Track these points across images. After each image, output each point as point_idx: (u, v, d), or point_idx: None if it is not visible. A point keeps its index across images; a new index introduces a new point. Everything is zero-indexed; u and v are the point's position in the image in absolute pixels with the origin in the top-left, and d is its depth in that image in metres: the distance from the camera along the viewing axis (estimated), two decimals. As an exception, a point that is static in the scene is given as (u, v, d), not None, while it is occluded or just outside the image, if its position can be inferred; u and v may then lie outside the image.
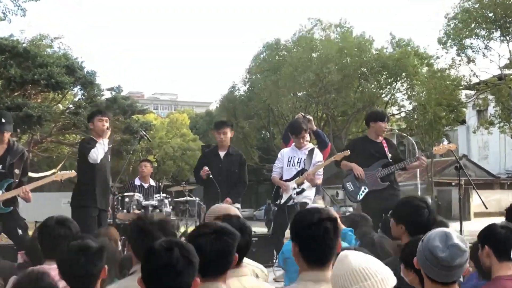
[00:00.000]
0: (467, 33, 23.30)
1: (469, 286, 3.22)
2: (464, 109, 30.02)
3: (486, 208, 6.74)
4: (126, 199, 7.13)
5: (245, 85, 35.71)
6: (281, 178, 6.77)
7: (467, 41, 23.78)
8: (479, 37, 23.48)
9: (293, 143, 6.86)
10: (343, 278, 2.09)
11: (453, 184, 25.75)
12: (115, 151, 22.13)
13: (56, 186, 25.93)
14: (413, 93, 28.31)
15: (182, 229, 8.21)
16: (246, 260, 2.91)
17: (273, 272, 5.99)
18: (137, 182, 8.40)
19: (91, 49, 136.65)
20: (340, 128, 30.40)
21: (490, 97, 25.45)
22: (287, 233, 6.35)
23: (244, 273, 2.76)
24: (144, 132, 8.47)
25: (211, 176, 6.88)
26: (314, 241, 2.37)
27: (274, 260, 6.84)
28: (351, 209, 24.90)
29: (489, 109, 27.94)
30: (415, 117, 28.70)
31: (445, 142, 6.56)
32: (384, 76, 28.65)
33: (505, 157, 34.34)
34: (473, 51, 23.95)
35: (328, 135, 21.82)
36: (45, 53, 23.41)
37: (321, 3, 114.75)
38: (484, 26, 23.02)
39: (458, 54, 24.39)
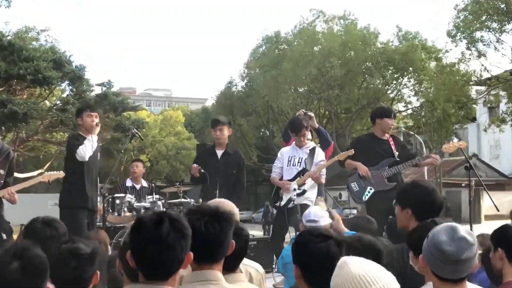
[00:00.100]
0: (478, 25, 23.29)
1: (480, 279, 3.22)
2: (474, 106, 29.99)
3: (498, 210, 6.74)
4: (117, 201, 7.12)
5: (243, 81, 35.74)
6: (281, 179, 6.76)
7: (478, 34, 23.76)
8: (491, 30, 23.47)
9: (294, 142, 6.86)
10: (343, 286, 2.10)
11: (463, 185, 25.79)
12: (105, 150, 22.09)
13: (43, 187, 25.85)
14: (421, 89, 28.32)
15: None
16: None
17: (273, 278, 6.00)
18: (128, 183, 8.40)
19: (91, 49, 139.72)
20: (343, 126, 30.41)
21: (502, 93, 25.42)
22: (287, 237, 6.37)
23: (239, 278, 2.75)
24: (136, 130, 8.46)
25: (203, 170, 6.82)
26: (320, 268, 2.40)
27: (274, 266, 6.85)
28: (355, 211, 24.87)
29: (500, 106, 27.90)
30: (423, 114, 28.69)
31: (455, 140, 6.58)
32: (390, 71, 28.65)
33: (518, 157, 34.39)
34: (484, 45, 23.93)
35: (330, 133, 21.82)
36: (31, 46, 23.41)
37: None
38: (495, 18, 23.00)
39: (468, 48, 24.37)
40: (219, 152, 7.12)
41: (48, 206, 21.54)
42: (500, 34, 23.51)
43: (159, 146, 39.48)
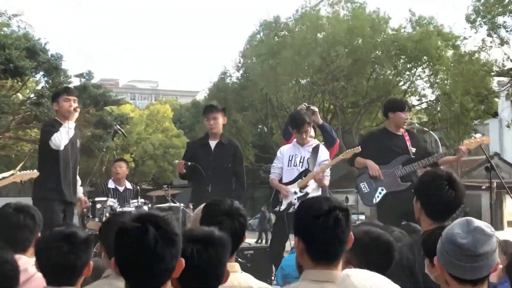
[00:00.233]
0: (500, 9, 23.31)
1: None
2: (496, 99, 30.05)
3: (522, 215, 6.78)
4: (98, 205, 7.12)
5: (238, 71, 35.69)
6: (280, 181, 6.77)
7: (500, 19, 23.79)
8: (515, 14, 23.52)
9: (295, 139, 6.87)
10: None
11: (483, 187, 25.82)
12: (85, 149, 22.08)
13: (15, 190, 25.83)
14: (436, 80, 28.34)
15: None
16: (242, 276, 2.89)
17: (272, 291, 6.00)
18: (110, 185, 8.41)
19: (91, 49, 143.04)
20: (350, 122, 30.43)
21: (527, 85, 25.51)
22: (288, 245, 6.37)
23: (233, 269, 2.71)
24: (119, 127, 8.46)
25: (189, 163, 6.70)
26: (323, 234, 2.38)
27: (273, 278, 6.86)
28: (363, 217, 24.99)
29: (526, 100, 28.00)
30: (439, 108, 28.73)
31: (478, 135, 6.60)
32: (402, 61, 28.66)
33: (545, 156, 34.44)
34: (507, 31, 23.97)
35: (336, 129, 21.84)
36: (2, 33, 23.37)
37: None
38: (520, 1, 23.05)
39: (489, 35, 24.40)
40: (213, 143, 6.96)
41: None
42: (525, 19, 23.56)
43: (145, 144, 39.46)
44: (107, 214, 7.11)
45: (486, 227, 2.36)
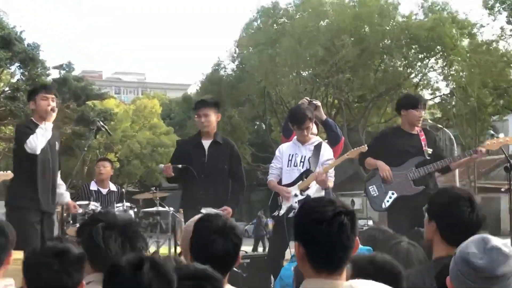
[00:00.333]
0: (521, -6, 23.35)
1: None
2: (516, 93, 30.11)
3: (545, 221, 6.78)
4: (79, 210, 7.12)
5: (233, 62, 35.74)
6: (280, 182, 6.76)
7: (521, 5, 23.84)
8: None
9: (295, 137, 6.86)
10: None
11: (502, 189, 25.81)
12: (65, 148, 22.07)
13: (-12, 193, 25.87)
14: (451, 72, 28.39)
15: (152, 249, 8.20)
16: None
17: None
18: (93, 186, 8.40)
19: (91, 49, 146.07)
20: (356, 118, 30.46)
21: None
22: (287, 253, 6.37)
23: None
24: (102, 123, 8.43)
25: (180, 166, 6.65)
26: (326, 239, 2.37)
27: (271, 288, 6.86)
28: (370, 222, 25.02)
29: (549, 93, 28.01)
30: (453, 103, 28.78)
31: (501, 135, 6.60)
32: (413, 51, 28.70)
33: None
34: (528, 18, 24.02)
35: (341, 126, 21.81)
36: (-27, 20, 23.33)
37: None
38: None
39: (508, 22, 24.46)
40: (206, 142, 6.89)
41: (-6, 216, 21.45)
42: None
43: (130, 143, 39.46)
44: (89, 219, 7.12)
45: (504, 246, 2.35)
